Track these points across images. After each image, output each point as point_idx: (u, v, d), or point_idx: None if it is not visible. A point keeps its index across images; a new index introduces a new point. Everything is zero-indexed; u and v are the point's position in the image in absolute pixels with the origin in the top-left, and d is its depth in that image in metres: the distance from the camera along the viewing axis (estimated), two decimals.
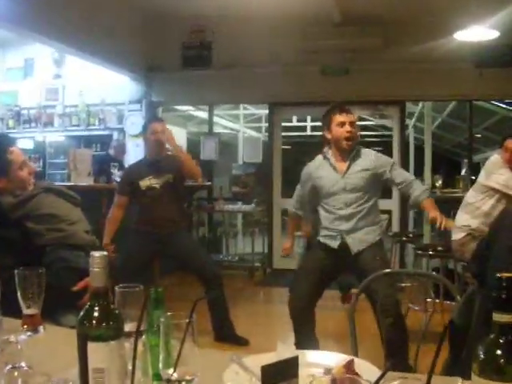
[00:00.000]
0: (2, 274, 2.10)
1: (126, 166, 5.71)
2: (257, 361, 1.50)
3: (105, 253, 1.34)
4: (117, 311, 1.34)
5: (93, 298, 1.31)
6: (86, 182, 6.52)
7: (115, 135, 9.41)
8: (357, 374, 1.40)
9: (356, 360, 1.51)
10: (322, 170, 4.42)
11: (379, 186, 4.45)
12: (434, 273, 3.81)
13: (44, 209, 3.06)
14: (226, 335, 5.28)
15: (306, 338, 4.47)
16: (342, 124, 4.29)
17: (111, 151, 8.64)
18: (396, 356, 3.95)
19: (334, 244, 4.32)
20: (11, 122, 10.12)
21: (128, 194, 5.37)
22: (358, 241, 4.29)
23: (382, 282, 3.62)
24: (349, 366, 1.45)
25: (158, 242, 5.24)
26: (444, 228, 4.06)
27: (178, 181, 5.33)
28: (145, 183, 5.24)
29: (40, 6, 6.32)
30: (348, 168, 4.31)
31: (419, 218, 9.60)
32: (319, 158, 4.52)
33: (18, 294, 2.03)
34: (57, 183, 7.68)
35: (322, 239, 4.43)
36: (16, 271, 2.02)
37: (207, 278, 5.23)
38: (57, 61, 9.83)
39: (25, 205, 3.05)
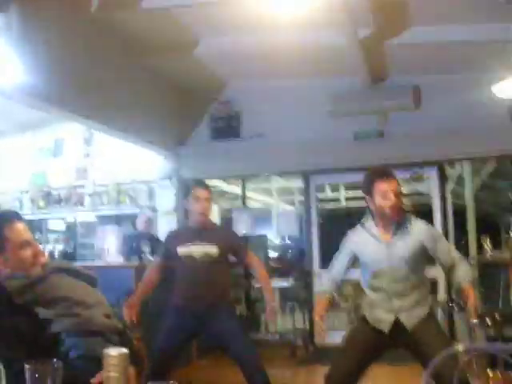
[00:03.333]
0: (13, 369, 1.78)
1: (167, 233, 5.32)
2: None
3: (124, 351, 0.99)
4: None
5: None
6: (117, 262, 6.24)
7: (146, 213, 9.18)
8: None
9: None
10: (362, 240, 4.07)
11: (426, 257, 4.07)
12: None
13: (56, 292, 2.67)
14: None
15: None
16: (385, 193, 3.89)
17: (139, 227, 8.36)
18: None
19: (385, 326, 3.95)
20: (41, 203, 10.03)
21: (165, 259, 5.01)
22: (412, 316, 3.93)
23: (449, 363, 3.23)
24: None
25: (196, 318, 4.78)
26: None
27: (223, 256, 4.87)
28: (183, 250, 4.82)
29: (69, 83, 6.21)
30: (394, 237, 3.96)
31: None
32: (358, 228, 4.17)
33: None
34: (88, 264, 7.51)
35: (370, 319, 4.05)
36: (26, 366, 1.69)
37: (247, 364, 4.72)
38: (86, 140, 9.77)
39: (33, 288, 2.67)
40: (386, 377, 6.47)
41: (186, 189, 8.81)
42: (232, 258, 5.08)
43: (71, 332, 2.55)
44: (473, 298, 3.82)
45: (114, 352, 0.96)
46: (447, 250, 4.04)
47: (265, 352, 7.85)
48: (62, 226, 10.45)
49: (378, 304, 3.99)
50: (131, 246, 7.14)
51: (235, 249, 5.01)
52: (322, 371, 4.13)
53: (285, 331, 8.91)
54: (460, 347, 2.41)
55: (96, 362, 2.46)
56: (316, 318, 4.16)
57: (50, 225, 10.61)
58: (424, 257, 4.02)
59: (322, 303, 4.18)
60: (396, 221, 3.96)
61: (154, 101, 8.08)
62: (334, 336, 6.22)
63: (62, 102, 6.21)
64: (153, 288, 5.05)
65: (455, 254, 4.02)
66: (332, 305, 4.29)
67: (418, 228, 3.99)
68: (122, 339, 2.66)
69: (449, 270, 3.99)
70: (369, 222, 4.08)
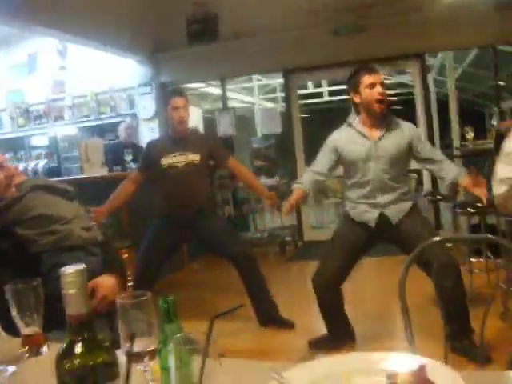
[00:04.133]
0: None
1: (146, 144, 5.31)
2: (298, 374, 1.25)
3: (81, 267, 1.01)
4: (107, 345, 1.01)
5: (72, 332, 0.97)
6: (100, 173, 6.22)
7: (128, 121, 9.11)
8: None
9: (429, 363, 1.18)
10: (349, 139, 4.08)
11: (410, 156, 4.12)
12: (488, 234, 3.47)
13: (33, 210, 2.68)
14: (271, 319, 4.94)
15: (334, 317, 4.27)
16: (373, 85, 3.94)
17: (121, 136, 8.33)
18: (458, 322, 3.73)
19: (371, 220, 4.03)
20: (21, 120, 9.92)
21: (145, 171, 5.01)
22: (397, 211, 4.00)
23: (435, 250, 3.30)
24: (420, 374, 1.12)
25: (182, 226, 4.87)
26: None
27: (204, 161, 4.94)
28: (167, 161, 4.84)
29: None
30: (382, 135, 4.00)
31: None
32: (344, 127, 4.19)
33: (13, 311, 1.73)
34: (72, 177, 7.50)
35: (355, 216, 4.11)
36: (7, 286, 1.72)
37: (239, 261, 4.89)
38: (61, 52, 9.54)
39: (10, 209, 2.68)
40: (373, 269, 6.63)
41: (166, 94, 8.85)
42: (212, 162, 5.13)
43: (51, 249, 2.58)
44: (480, 187, 3.86)
45: (70, 269, 0.97)
46: (433, 149, 4.15)
47: (255, 251, 8.04)
48: (44, 142, 10.36)
49: (363, 200, 4.05)
50: (113, 156, 7.12)
51: (217, 154, 5.05)
52: (311, 266, 4.23)
53: (273, 229, 9.04)
54: (437, 237, 2.44)
55: None
56: (286, 206, 4.17)
57: (33, 141, 10.52)
58: (408, 155, 4.08)
59: (295, 194, 4.13)
60: (383, 117, 4.00)
61: (127, 5, 7.83)
62: (324, 232, 6.32)
63: (31, 14, 6.06)
64: (126, 199, 5.08)
65: (441, 155, 4.09)
66: (305, 199, 4.28)
67: (405, 127, 4.06)
68: (103, 250, 2.69)
69: (438, 172, 4.04)
70: (355, 121, 4.09)
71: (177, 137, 4.93)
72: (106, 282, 2.51)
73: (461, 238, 2.99)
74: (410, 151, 4.03)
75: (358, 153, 4.01)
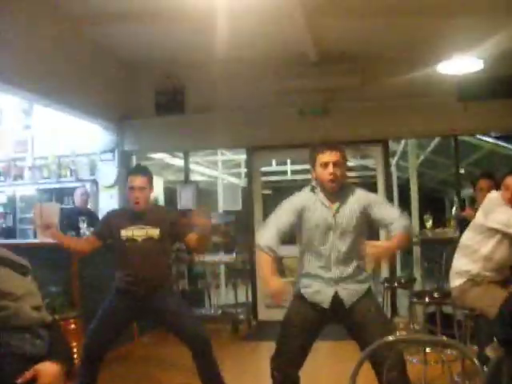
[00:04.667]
0: None
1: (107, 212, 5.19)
2: None
3: None
4: None
5: None
6: None
7: (88, 187, 9.01)
8: None
9: None
10: (311, 205, 3.99)
11: (366, 227, 4.05)
12: (443, 337, 3.42)
13: None
14: None
15: None
16: (326, 165, 3.91)
17: (77, 201, 8.22)
18: None
19: (325, 301, 3.91)
20: None
21: (102, 239, 4.84)
22: (351, 293, 3.90)
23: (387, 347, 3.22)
24: None
25: (138, 301, 4.70)
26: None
27: (164, 237, 4.79)
28: (126, 233, 4.72)
29: (7, 55, 6.00)
30: (340, 206, 3.94)
31: (408, 260, 9.25)
32: (307, 190, 4.10)
33: None
34: (26, 241, 7.32)
35: (307, 294, 3.99)
36: None
37: (195, 345, 4.68)
38: (25, 111, 9.50)
39: None
40: (328, 354, 6.52)
41: (128, 162, 8.81)
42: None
43: None
44: (397, 242, 3.84)
45: None
46: (390, 209, 4.04)
47: (208, 327, 7.87)
48: (2, 200, 10.17)
49: (318, 273, 3.94)
50: (68, 222, 6.98)
51: (177, 226, 4.89)
52: (265, 347, 4.12)
53: (227, 306, 8.90)
54: (391, 337, 2.37)
55: (24, 360, 2.37)
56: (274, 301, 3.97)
57: None
58: (366, 227, 4.02)
59: (269, 268, 3.84)
60: (337, 191, 3.95)
61: (97, 73, 7.89)
62: (279, 311, 6.17)
63: None
64: (79, 249, 4.90)
65: (398, 214, 3.98)
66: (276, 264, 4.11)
67: (359, 196, 4.00)
68: (51, 333, 2.55)
69: (391, 230, 3.94)
70: (318, 190, 4.03)
71: (136, 212, 4.82)
72: (49, 370, 2.37)
73: (416, 339, 2.93)
74: (367, 218, 3.97)
75: (319, 220, 3.93)
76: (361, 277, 3.96)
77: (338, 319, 3.99)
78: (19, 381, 2.27)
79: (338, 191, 3.97)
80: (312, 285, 3.97)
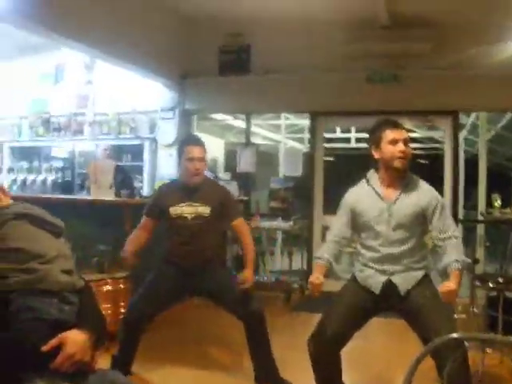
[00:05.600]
0: None
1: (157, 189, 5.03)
2: None
3: None
4: None
5: None
6: (107, 195, 5.96)
7: (147, 145, 8.90)
8: None
9: None
10: (364, 199, 3.78)
11: (425, 222, 3.75)
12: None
13: (11, 242, 2.35)
14: (268, 378, 4.61)
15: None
16: (395, 142, 3.65)
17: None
18: None
19: (377, 286, 3.69)
20: (41, 130, 9.78)
21: (156, 218, 4.74)
22: (405, 280, 3.65)
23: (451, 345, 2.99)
24: None
25: (188, 276, 4.60)
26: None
27: (215, 215, 4.64)
28: (175, 211, 4.58)
29: (71, 9, 5.96)
30: (398, 197, 3.68)
31: (471, 239, 8.85)
32: (361, 184, 3.89)
33: None
34: (78, 197, 7.25)
35: (360, 279, 3.79)
36: None
37: (248, 321, 4.58)
38: (88, 66, 9.41)
39: None
40: (380, 330, 6.29)
41: (189, 121, 8.65)
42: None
43: (23, 290, 2.27)
44: (457, 281, 3.48)
45: None
46: (447, 223, 3.69)
47: (261, 294, 7.72)
48: (61, 155, 10.17)
49: (371, 264, 3.73)
50: (122, 179, 6.85)
51: (225, 211, 4.73)
52: (315, 320, 3.91)
53: (282, 272, 8.74)
54: (455, 334, 2.13)
55: (50, 326, 2.22)
56: (310, 283, 3.82)
57: (49, 152, 10.33)
58: (425, 221, 3.72)
59: (317, 270, 3.84)
60: (402, 177, 3.71)
61: (160, 29, 7.77)
62: (335, 283, 5.94)
63: (60, 26, 5.92)
64: (140, 247, 4.76)
65: (452, 233, 3.64)
66: (328, 272, 3.96)
67: (423, 192, 3.72)
68: (82, 299, 2.39)
69: (440, 247, 3.65)
70: (373, 178, 3.81)
71: (189, 186, 4.65)
72: (76, 339, 2.21)
73: (481, 337, 2.66)
74: (424, 216, 3.69)
75: (371, 214, 3.70)
76: (417, 265, 3.70)
77: (392, 306, 3.76)
78: (43, 348, 2.12)
79: (399, 180, 3.71)
80: (365, 270, 3.77)
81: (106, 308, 5.24)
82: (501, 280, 4.95)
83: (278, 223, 8.41)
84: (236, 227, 4.75)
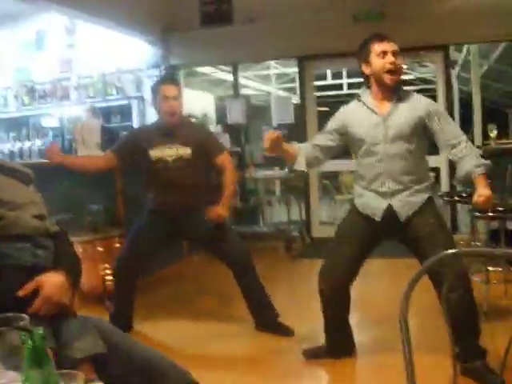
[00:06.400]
0: None
1: (129, 131, 4.90)
2: None
3: None
4: None
5: None
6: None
7: (135, 104, 8.75)
8: None
9: None
10: (357, 115, 3.65)
11: (426, 136, 3.62)
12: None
13: None
14: (269, 325, 4.56)
15: (337, 323, 3.89)
16: (384, 54, 3.51)
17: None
18: (466, 340, 3.34)
19: (377, 213, 3.58)
20: (26, 99, 9.58)
21: (122, 155, 4.51)
22: (407, 204, 3.53)
23: (447, 261, 2.90)
24: None
25: (174, 222, 4.49)
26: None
27: (197, 157, 4.48)
28: (155, 153, 4.41)
29: None
30: (392, 109, 3.55)
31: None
32: (353, 101, 3.76)
33: None
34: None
35: (360, 206, 3.69)
36: None
37: (233, 264, 4.52)
38: (69, 30, 9.20)
39: None
40: (382, 271, 6.26)
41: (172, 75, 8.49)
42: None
43: None
44: (485, 184, 3.34)
45: None
46: (454, 126, 3.58)
47: (262, 245, 7.68)
48: (52, 124, 10.00)
49: (371, 187, 3.61)
50: (109, 139, 6.71)
51: (208, 149, 4.58)
52: (318, 265, 3.87)
53: (281, 223, 8.65)
54: (452, 250, 2.03)
55: (25, 272, 2.13)
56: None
57: (38, 122, 10.16)
58: (425, 135, 3.59)
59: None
60: (395, 88, 3.57)
61: None
62: (333, 228, 5.87)
63: None
64: (91, 170, 4.56)
65: (463, 137, 3.50)
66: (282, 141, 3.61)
67: (418, 102, 3.59)
68: (56, 244, 2.30)
69: (455, 156, 3.47)
70: (365, 95, 3.67)
71: (167, 127, 4.50)
72: (53, 280, 2.12)
73: (479, 252, 2.57)
74: (424, 128, 3.54)
75: (366, 130, 3.58)
76: (419, 186, 3.57)
77: (394, 234, 3.67)
78: (20, 293, 2.04)
79: (394, 90, 3.57)
80: (364, 195, 3.66)
81: (101, 268, 5.19)
82: (500, 209, 4.82)
83: (274, 172, 8.29)
84: (220, 163, 4.58)
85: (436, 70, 8.27)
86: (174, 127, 4.48)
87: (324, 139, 3.80)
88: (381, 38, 3.58)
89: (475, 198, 3.34)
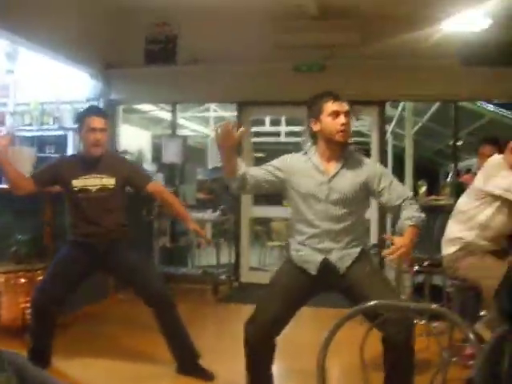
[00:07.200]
0: None
1: (54, 159, 4.88)
2: None
3: None
4: None
5: None
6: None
7: (71, 136, 8.64)
8: None
9: None
10: (302, 170, 3.62)
11: (368, 201, 3.71)
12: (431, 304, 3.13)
13: None
14: (189, 367, 4.49)
15: (259, 374, 3.76)
16: (337, 114, 3.50)
17: None
18: None
19: (312, 267, 3.57)
20: None
21: (40, 183, 4.45)
22: (344, 256, 3.54)
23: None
24: None
25: (93, 254, 4.44)
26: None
27: (120, 187, 4.51)
28: (78, 183, 4.39)
29: None
30: (338, 171, 3.56)
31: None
32: (300, 153, 3.73)
33: None
34: None
35: (296, 259, 3.65)
36: None
37: (153, 300, 4.45)
38: (9, 56, 9.06)
39: None
40: (313, 320, 6.27)
41: (114, 112, 8.46)
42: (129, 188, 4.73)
43: None
44: (410, 236, 3.40)
45: None
46: (397, 190, 3.59)
47: (190, 288, 7.63)
48: None
49: (308, 242, 3.59)
50: None
51: (134, 179, 4.61)
52: (244, 310, 3.86)
53: (209, 266, 8.61)
54: (373, 302, 2.07)
55: None
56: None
57: None
58: (368, 198, 3.66)
59: None
60: (342, 150, 3.58)
61: (83, 17, 7.46)
62: (263, 274, 5.91)
63: None
64: (16, 187, 4.40)
65: (406, 196, 3.57)
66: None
67: (363, 165, 3.62)
68: None
69: (396, 211, 3.56)
70: (311, 151, 3.67)
71: (92, 158, 4.48)
72: None
73: (401, 306, 2.60)
74: (367, 190, 3.58)
75: (310, 188, 3.56)
76: (356, 242, 3.60)
77: (331, 286, 3.64)
78: None
79: (339, 154, 3.59)
80: (301, 250, 3.63)
81: (22, 301, 5.06)
82: (426, 264, 4.94)
83: (205, 215, 8.28)
84: (154, 191, 4.61)
85: (371, 124, 8.42)
86: (99, 158, 4.47)
87: (260, 172, 3.65)
88: (334, 97, 3.55)
89: (394, 244, 3.36)
